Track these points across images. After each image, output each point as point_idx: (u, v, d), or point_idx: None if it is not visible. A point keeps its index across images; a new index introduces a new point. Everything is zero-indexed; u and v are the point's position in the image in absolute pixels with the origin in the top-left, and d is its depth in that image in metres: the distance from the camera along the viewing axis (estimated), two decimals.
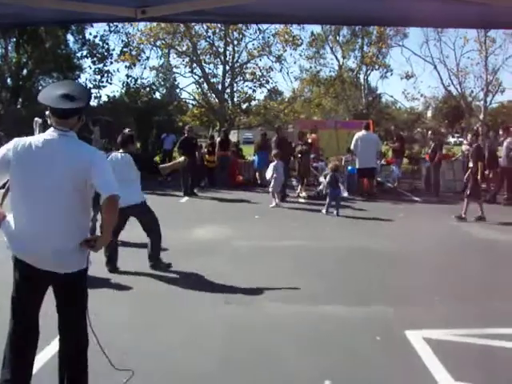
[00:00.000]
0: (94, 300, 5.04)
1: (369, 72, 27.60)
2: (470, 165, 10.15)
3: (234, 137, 26.70)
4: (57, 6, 2.61)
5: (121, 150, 6.60)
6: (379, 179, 14.45)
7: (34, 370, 3.25)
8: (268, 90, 24.26)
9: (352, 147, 13.34)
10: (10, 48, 21.52)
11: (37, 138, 3.05)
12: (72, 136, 3.08)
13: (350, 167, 14.15)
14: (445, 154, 16.50)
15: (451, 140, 37.48)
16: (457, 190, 13.97)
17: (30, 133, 17.65)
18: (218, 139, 16.16)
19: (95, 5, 2.61)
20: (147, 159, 7.20)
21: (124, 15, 2.74)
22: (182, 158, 6.97)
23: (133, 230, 6.72)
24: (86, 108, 3.12)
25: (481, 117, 22.44)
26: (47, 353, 3.83)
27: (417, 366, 3.94)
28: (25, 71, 21.11)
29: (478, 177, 9.83)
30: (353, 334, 4.59)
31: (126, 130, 14.79)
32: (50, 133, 3.05)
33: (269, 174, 11.89)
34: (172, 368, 3.90)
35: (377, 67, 26.82)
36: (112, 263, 6.37)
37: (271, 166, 12.13)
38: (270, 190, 11.86)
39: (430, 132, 14.73)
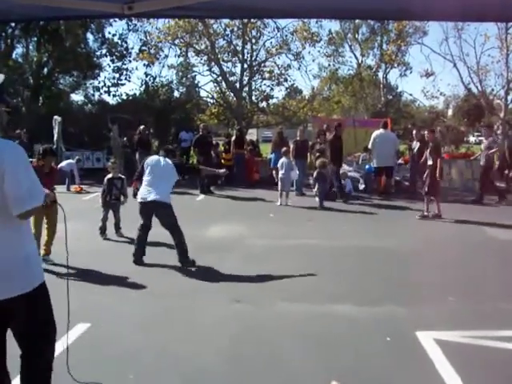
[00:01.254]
0: (108, 296, 5.13)
1: (388, 70, 27.41)
2: (430, 162, 10.01)
3: (253, 135, 26.74)
4: (44, 3, 2.63)
5: (162, 154, 7.08)
6: (397, 178, 14.33)
7: None
8: (286, 88, 24.25)
9: (370, 146, 13.23)
10: (30, 47, 21.89)
11: None
12: None
13: (367, 165, 14.08)
14: (463, 153, 16.17)
15: (472, 139, 36.95)
16: (475, 189, 13.77)
17: (50, 130, 17.74)
18: (233, 137, 16.22)
19: (82, 1, 2.63)
20: (183, 164, 8.05)
21: (111, 11, 2.76)
22: (222, 170, 7.74)
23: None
24: None
25: (501, 115, 22.07)
26: None
27: (426, 369, 3.89)
28: (45, 70, 21.43)
29: (437, 174, 9.80)
30: (363, 335, 4.55)
31: (141, 128, 15.01)
32: None
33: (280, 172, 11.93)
34: (181, 365, 3.92)
35: (396, 65, 26.60)
36: (138, 255, 6.68)
37: (279, 163, 12.15)
38: (279, 189, 11.90)
39: (414, 131, 14.11)
